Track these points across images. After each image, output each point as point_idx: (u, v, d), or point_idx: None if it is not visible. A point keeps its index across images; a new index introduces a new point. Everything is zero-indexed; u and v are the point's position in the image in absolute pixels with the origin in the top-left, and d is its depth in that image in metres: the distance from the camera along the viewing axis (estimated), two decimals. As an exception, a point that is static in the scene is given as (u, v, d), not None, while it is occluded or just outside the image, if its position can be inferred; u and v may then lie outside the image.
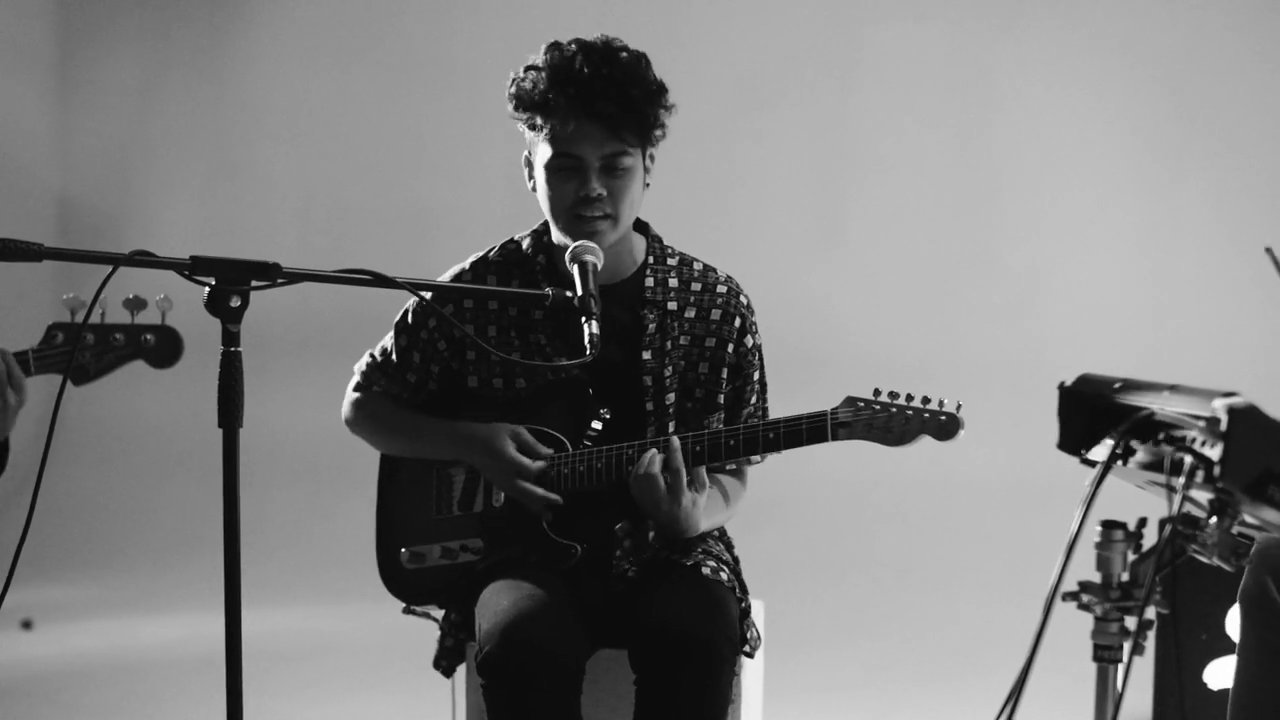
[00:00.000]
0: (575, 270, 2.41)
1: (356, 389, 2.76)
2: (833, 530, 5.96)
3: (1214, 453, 1.67)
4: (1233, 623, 2.45)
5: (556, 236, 2.59)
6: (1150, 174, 6.25)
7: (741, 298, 2.68)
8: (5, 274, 3.46)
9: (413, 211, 7.08)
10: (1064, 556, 1.73)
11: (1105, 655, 1.89)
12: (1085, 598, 1.89)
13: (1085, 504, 1.75)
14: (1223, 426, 1.66)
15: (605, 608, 2.55)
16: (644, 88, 2.50)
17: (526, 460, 2.53)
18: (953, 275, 6.42)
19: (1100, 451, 1.89)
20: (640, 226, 2.67)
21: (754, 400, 2.70)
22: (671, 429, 2.58)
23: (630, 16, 6.20)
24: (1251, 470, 1.67)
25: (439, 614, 2.71)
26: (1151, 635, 2.20)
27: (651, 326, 2.61)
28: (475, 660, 2.39)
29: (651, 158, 2.58)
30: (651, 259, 2.65)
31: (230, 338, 2.06)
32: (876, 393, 2.46)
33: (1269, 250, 2.80)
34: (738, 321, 2.65)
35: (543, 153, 2.53)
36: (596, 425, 2.58)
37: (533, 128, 2.53)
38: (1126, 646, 1.86)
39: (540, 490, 2.53)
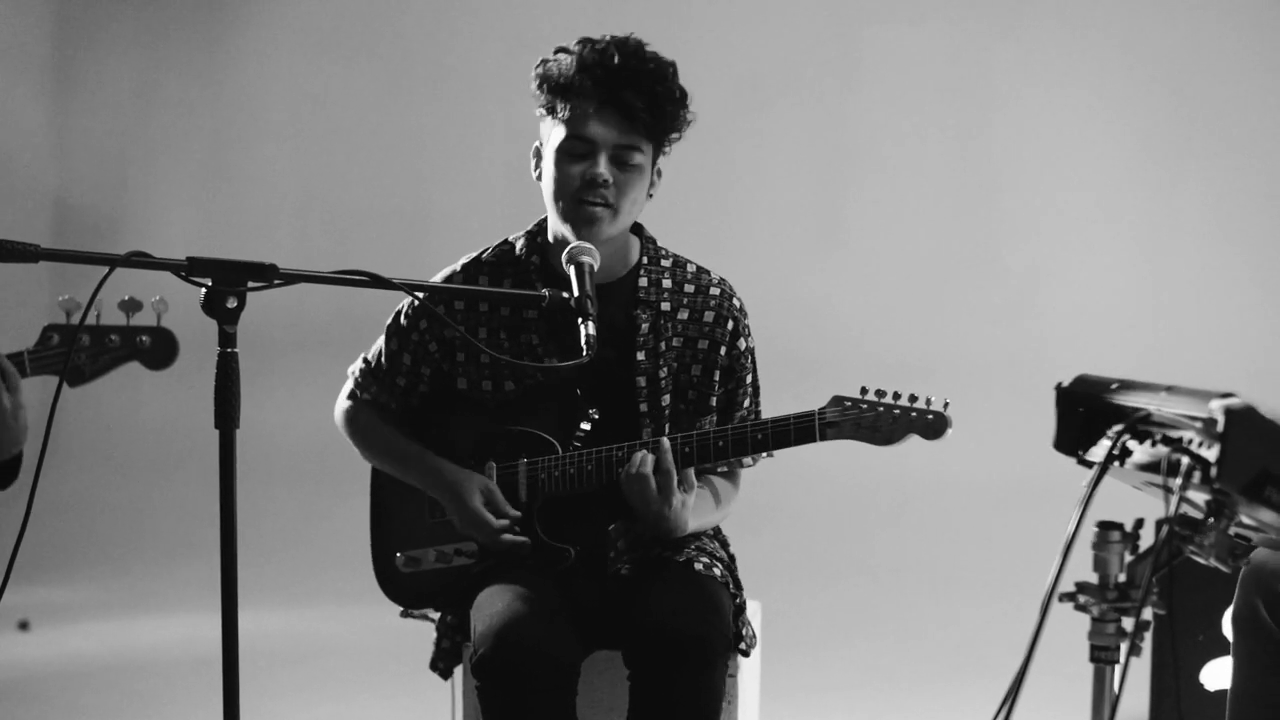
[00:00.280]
0: (572, 271, 2.41)
1: (349, 395, 2.76)
2: (830, 531, 5.96)
3: (1211, 454, 1.67)
4: (1228, 625, 2.45)
5: (553, 226, 2.58)
6: (1150, 174, 6.25)
7: (735, 300, 2.67)
8: (1, 275, 3.45)
9: (410, 212, 7.08)
10: (1061, 557, 1.72)
11: (1102, 656, 1.88)
12: (1082, 598, 1.88)
13: (1082, 505, 1.74)
14: (1220, 427, 1.66)
15: (599, 609, 2.54)
16: (669, 88, 2.51)
17: (490, 517, 2.54)
18: (952, 275, 6.43)
19: (1097, 452, 1.88)
20: (634, 227, 2.66)
21: (746, 403, 2.69)
22: (667, 430, 2.58)
23: (630, 17, 6.16)
24: (1248, 471, 1.66)
25: (436, 616, 2.71)
26: (1148, 636, 2.19)
27: (645, 327, 2.60)
28: (470, 662, 2.39)
29: (659, 172, 2.58)
30: (645, 259, 2.65)
31: (227, 339, 2.05)
32: (864, 391, 2.46)
33: None
34: (730, 324, 2.65)
35: (556, 136, 2.53)
36: (585, 426, 2.57)
37: (550, 111, 2.53)
38: (1123, 647, 1.86)
39: (507, 537, 2.54)
